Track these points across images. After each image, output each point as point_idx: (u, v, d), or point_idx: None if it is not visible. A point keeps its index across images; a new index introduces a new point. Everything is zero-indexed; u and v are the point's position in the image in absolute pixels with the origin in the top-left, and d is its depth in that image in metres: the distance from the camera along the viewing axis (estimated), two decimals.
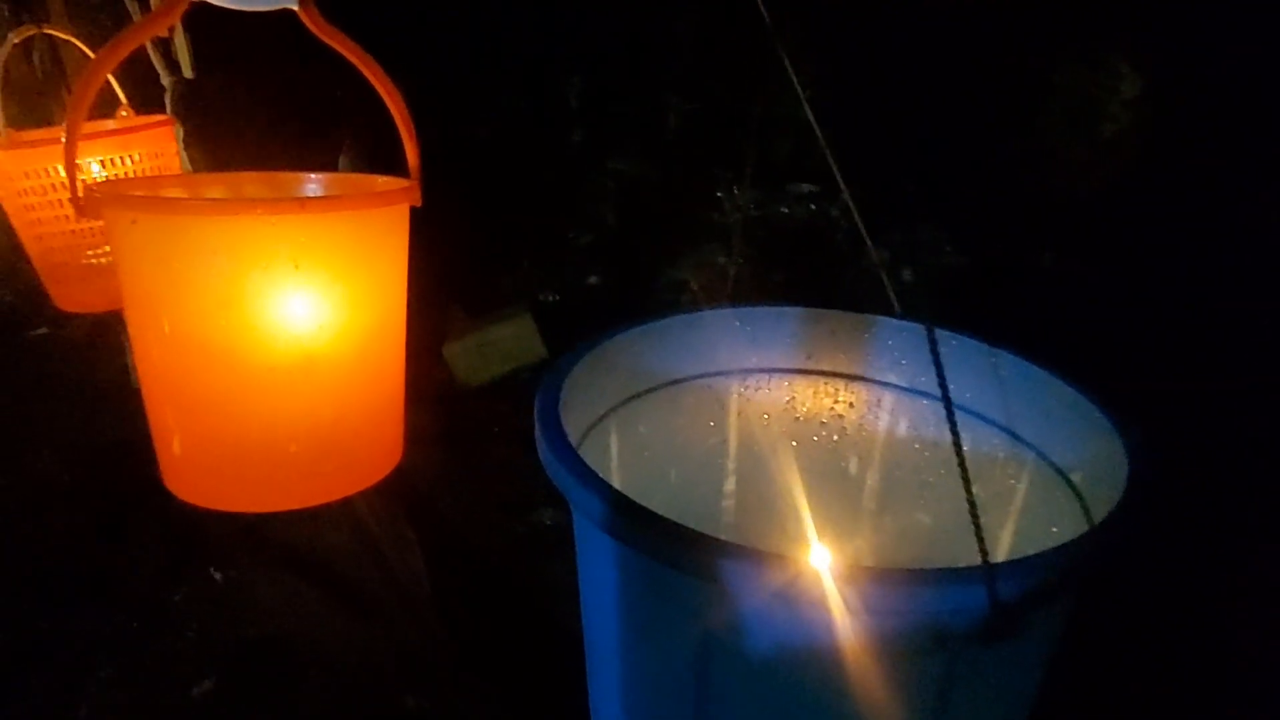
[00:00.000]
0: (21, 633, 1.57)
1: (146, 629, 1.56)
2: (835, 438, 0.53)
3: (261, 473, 0.65)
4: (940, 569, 0.31)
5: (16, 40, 0.95)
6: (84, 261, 0.99)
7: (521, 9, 2.73)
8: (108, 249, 1.00)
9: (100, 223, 0.98)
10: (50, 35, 1.55)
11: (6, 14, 1.47)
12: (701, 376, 0.51)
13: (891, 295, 1.55)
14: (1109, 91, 2.41)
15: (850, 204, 1.46)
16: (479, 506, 1.72)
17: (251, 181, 0.80)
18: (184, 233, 0.59)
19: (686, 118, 2.88)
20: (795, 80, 1.50)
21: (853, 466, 0.53)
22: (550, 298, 2.51)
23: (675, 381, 0.51)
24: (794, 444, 0.53)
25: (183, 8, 0.65)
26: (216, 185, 0.79)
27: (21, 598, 1.65)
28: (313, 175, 0.79)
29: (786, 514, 0.53)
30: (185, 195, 0.76)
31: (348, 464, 0.68)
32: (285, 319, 0.62)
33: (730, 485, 0.55)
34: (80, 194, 0.63)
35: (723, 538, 0.34)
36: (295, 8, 0.69)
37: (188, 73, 1.48)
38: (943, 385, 0.35)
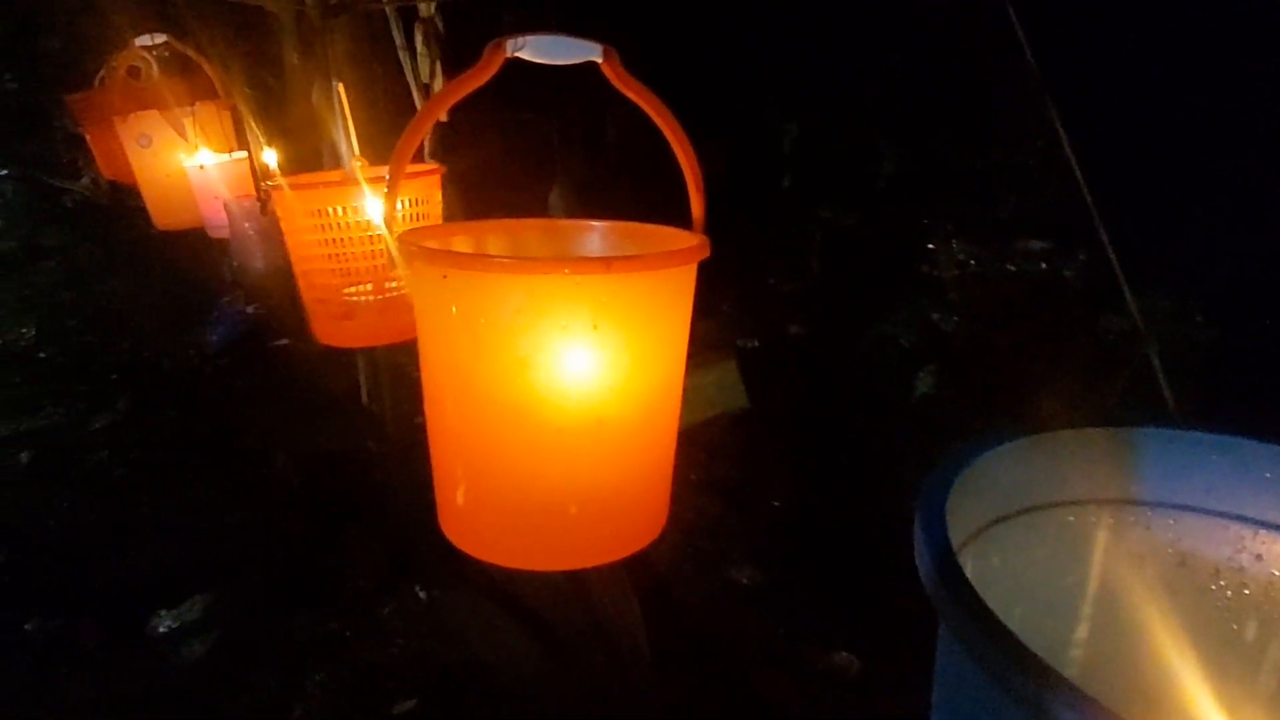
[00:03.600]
0: (249, 628, 1.69)
1: (357, 639, 1.63)
2: (1230, 594, 0.43)
3: (540, 532, 0.64)
4: None
5: (341, 88, 1.03)
6: (342, 299, 1.04)
7: (741, 53, 2.74)
8: (367, 288, 1.04)
9: (377, 264, 1.03)
10: (328, 76, 1.70)
11: (296, 62, 1.62)
12: (1068, 504, 0.44)
13: (1162, 383, 1.37)
14: None
15: (1115, 265, 1.30)
16: (677, 557, 1.69)
17: (531, 230, 0.81)
18: (491, 290, 0.59)
19: (900, 164, 2.77)
20: (1060, 129, 1.36)
21: (1250, 632, 0.43)
22: (750, 344, 2.47)
23: (1037, 508, 0.44)
24: (1173, 595, 0.44)
25: (500, 63, 0.66)
26: (499, 234, 0.80)
27: (253, 594, 1.78)
28: (594, 223, 0.78)
29: (1150, 675, 0.44)
30: (473, 247, 0.77)
31: (622, 528, 0.66)
32: (579, 380, 0.61)
33: (1082, 633, 0.46)
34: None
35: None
36: (599, 60, 0.68)
37: (444, 118, 1.55)
38: None
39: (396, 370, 1.94)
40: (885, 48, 2.60)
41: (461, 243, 0.79)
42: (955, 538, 0.40)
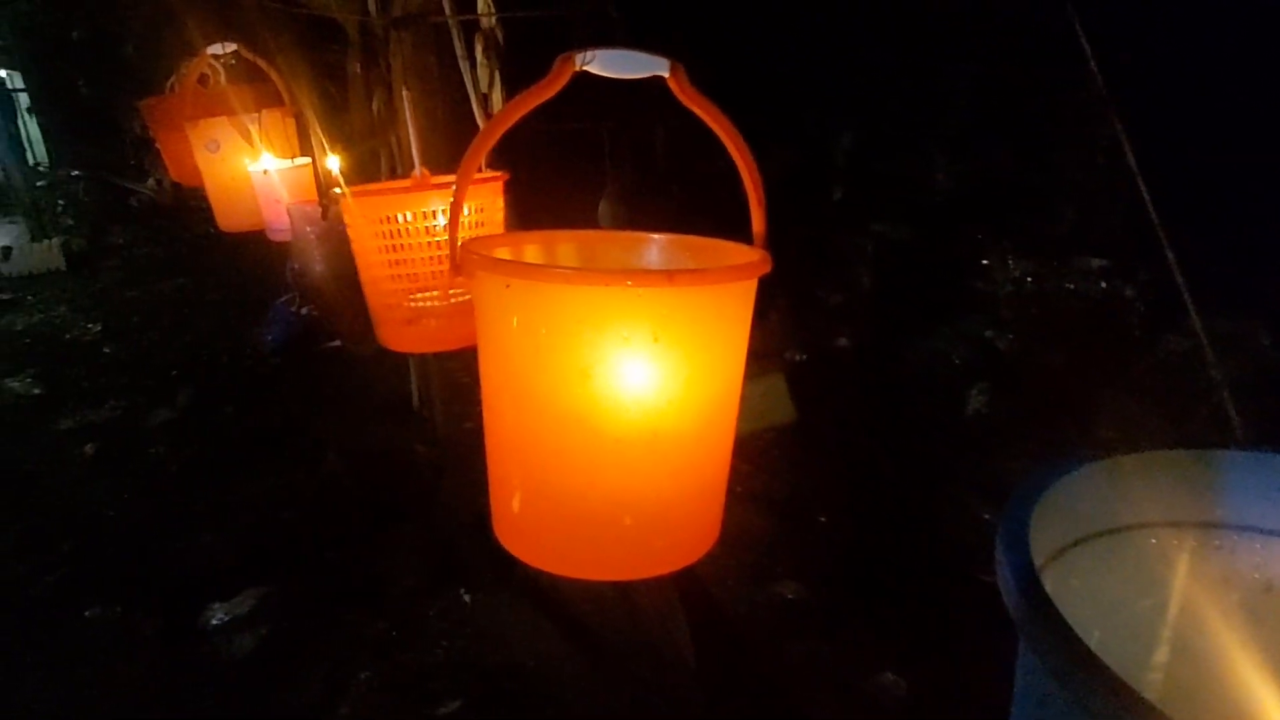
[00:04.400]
0: (298, 624, 1.72)
1: (403, 639, 1.65)
2: None
3: (594, 541, 0.64)
4: None
5: (407, 96, 1.05)
6: (408, 304, 1.05)
7: (795, 65, 2.73)
8: (432, 295, 1.06)
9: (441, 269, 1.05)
10: (388, 86, 1.73)
11: (359, 71, 1.66)
12: (1150, 526, 0.43)
13: (1229, 406, 1.32)
14: None
15: (1181, 285, 1.27)
16: (721, 569, 1.68)
17: (591, 240, 0.81)
18: (554, 300, 0.60)
19: (956, 178, 2.73)
20: (1125, 143, 1.32)
21: None
22: (797, 357, 2.46)
23: (1118, 530, 0.43)
24: (1257, 621, 0.43)
25: (569, 76, 0.67)
26: (559, 244, 0.80)
27: (302, 591, 1.81)
28: (654, 235, 0.78)
29: (1231, 703, 0.43)
30: (533, 256, 0.78)
31: (674, 541, 0.66)
32: (638, 391, 0.61)
33: (1161, 657, 0.45)
34: (457, 253, 0.66)
35: None
36: (666, 75, 0.69)
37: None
38: None
39: (447, 375, 1.96)
40: (943, 61, 2.57)
41: (521, 252, 0.80)
42: (1035, 559, 0.39)
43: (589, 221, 2.78)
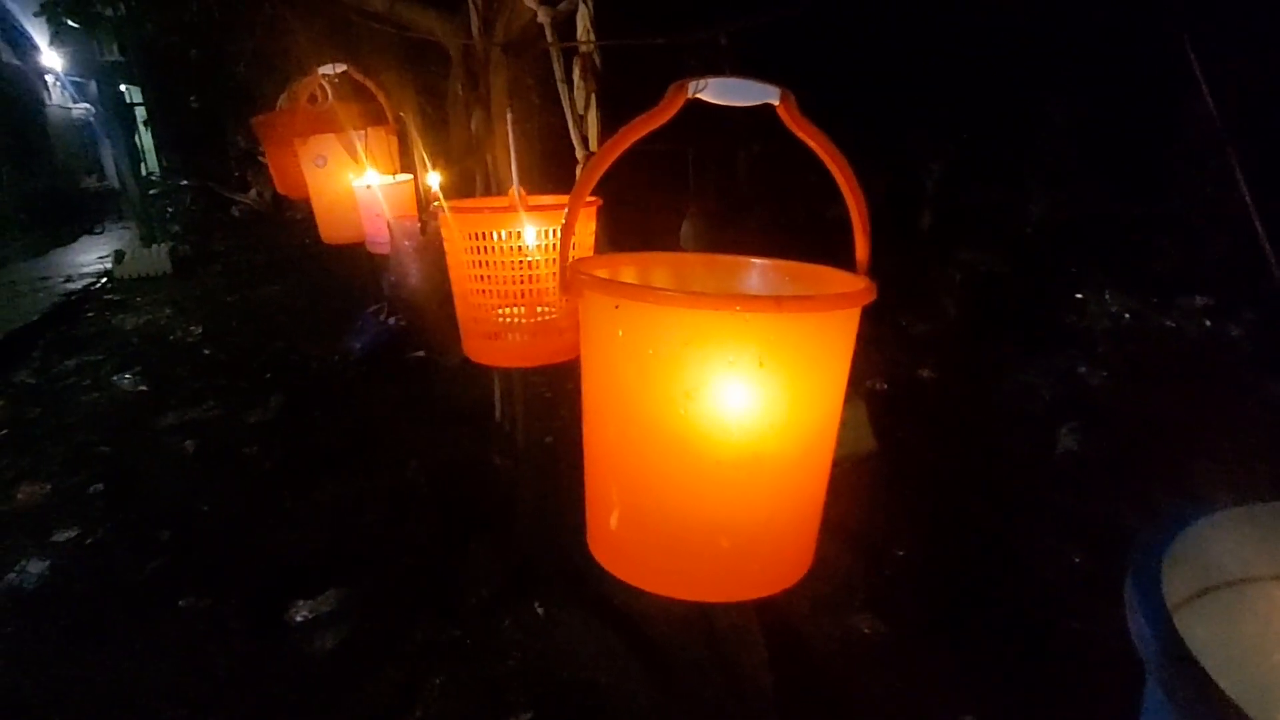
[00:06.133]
0: (377, 625, 1.77)
1: (477, 647, 1.68)
2: None
3: (689, 561, 0.64)
4: None
5: (510, 117, 1.09)
6: (495, 319, 1.08)
7: (890, 89, 2.71)
8: (518, 311, 1.08)
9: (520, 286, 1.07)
10: (486, 107, 1.79)
11: (460, 92, 1.72)
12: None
13: None
14: None
15: None
16: (797, 597, 1.66)
17: (692, 264, 0.83)
18: (662, 322, 0.61)
19: (1051, 208, 2.66)
20: (1239, 174, 1.28)
21: None
22: (879, 386, 2.42)
23: (1249, 581, 0.41)
24: None
25: (682, 103, 0.68)
26: (661, 266, 0.82)
27: (381, 593, 1.86)
28: (755, 260, 0.79)
29: None
30: (635, 278, 0.80)
31: (769, 565, 0.66)
32: (741, 415, 0.61)
33: None
34: (567, 272, 0.68)
35: None
36: (776, 103, 0.69)
37: (594, 148, 1.60)
38: None
39: (530, 389, 2.00)
40: (1040, 88, 2.52)
41: (625, 273, 0.81)
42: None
43: (671, 241, 2.80)
